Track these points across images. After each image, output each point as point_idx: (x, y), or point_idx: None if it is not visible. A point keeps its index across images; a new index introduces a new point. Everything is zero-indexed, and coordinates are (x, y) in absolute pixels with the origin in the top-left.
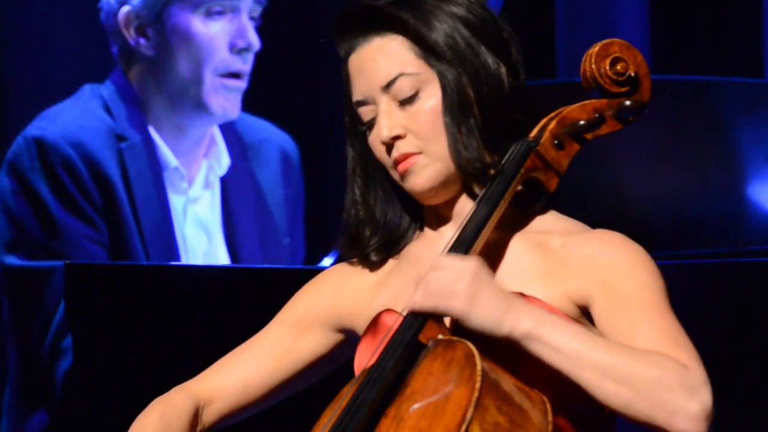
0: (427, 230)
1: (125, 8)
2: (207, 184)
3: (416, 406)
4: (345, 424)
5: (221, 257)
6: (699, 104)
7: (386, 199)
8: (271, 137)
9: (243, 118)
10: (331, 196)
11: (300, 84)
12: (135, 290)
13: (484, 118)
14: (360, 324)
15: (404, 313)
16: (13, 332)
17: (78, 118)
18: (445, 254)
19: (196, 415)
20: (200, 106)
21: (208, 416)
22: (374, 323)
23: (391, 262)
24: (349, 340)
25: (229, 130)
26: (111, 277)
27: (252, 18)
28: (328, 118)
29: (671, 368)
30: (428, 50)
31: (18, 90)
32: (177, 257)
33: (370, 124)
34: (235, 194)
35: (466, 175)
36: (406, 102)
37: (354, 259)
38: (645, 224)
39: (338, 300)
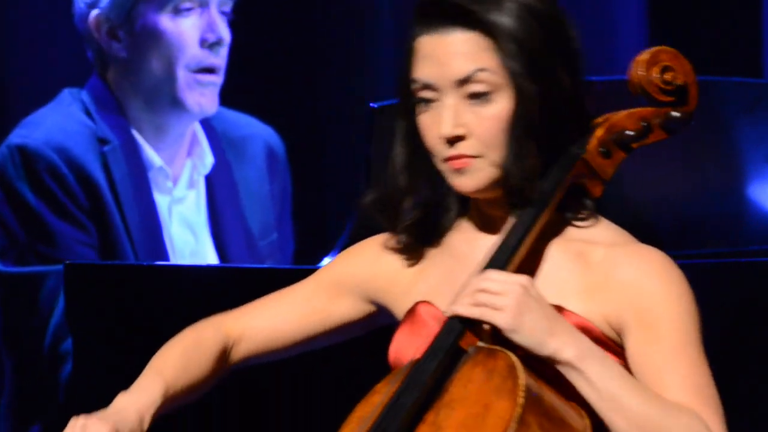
0: (470, 222)
1: (94, 12)
2: (191, 184)
3: (454, 414)
4: (384, 428)
5: (209, 256)
6: (699, 104)
7: (431, 178)
8: (255, 132)
9: (226, 114)
10: (329, 196)
11: (296, 80)
12: (135, 290)
13: (547, 133)
14: (396, 306)
15: (446, 315)
16: (7, 341)
17: (60, 123)
18: (490, 258)
19: (223, 353)
20: (176, 104)
21: (234, 355)
22: (411, 314)
23: (431, 249)
24: (380, 313)
25: (211, 127)
26: (111, 277)
27: (223, 12)
28: (324, 115)
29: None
30: (511, 55)
31: (18, 91)
32: (165, 257)
33: (427, 103)
34: (221, 192)
35: (514, 189)
36: (476, 99)
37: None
38: (645, 224)
39: (377, 274)
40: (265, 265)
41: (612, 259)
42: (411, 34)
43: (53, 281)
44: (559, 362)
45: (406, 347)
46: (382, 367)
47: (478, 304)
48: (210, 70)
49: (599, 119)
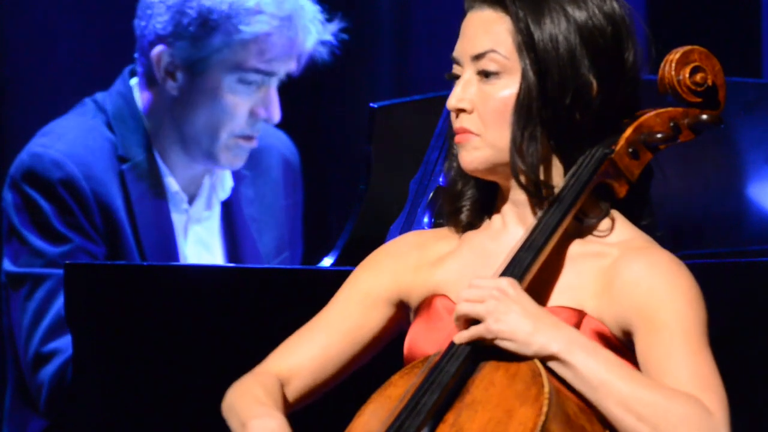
0: (493, 219)
1: (159, 48)
2: (209, 205)
3: (476, 417)
4: (405, 428)
5: None
6: None
7: None
8: (272, 144)
9: None
10: (329, 196)
11: (295, 80)
12: (135, 290)
13: (552, 129)
14: (415, 300)
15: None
16: (10, 338)
17: (82, 136)
18: (512, 259)
19: (284, 394)
20: (209, 157)
21: (290, 395)
22: (427, 307)
23: (452, 242)
24: (406, 314)
25: None
26: (111, 277)
27: (282, 80)
28: (327, 119)
29: (694, 413)
30: (526, 44)
31: (18, 97)
32: None
33: (456, 79)
34: (237, 212)
35: (518, 182)
36: (486, 77)
37: (407, 237)
38: (645, 224)
39: (399, 276)
40: (266, 266)
41: (622, 260)
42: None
43: (52, 283)
44: (545, 358)
45: (422, 340)
46: (396, 359)
47: (467, 324)
48: (250, 138)
49: (626, 119)
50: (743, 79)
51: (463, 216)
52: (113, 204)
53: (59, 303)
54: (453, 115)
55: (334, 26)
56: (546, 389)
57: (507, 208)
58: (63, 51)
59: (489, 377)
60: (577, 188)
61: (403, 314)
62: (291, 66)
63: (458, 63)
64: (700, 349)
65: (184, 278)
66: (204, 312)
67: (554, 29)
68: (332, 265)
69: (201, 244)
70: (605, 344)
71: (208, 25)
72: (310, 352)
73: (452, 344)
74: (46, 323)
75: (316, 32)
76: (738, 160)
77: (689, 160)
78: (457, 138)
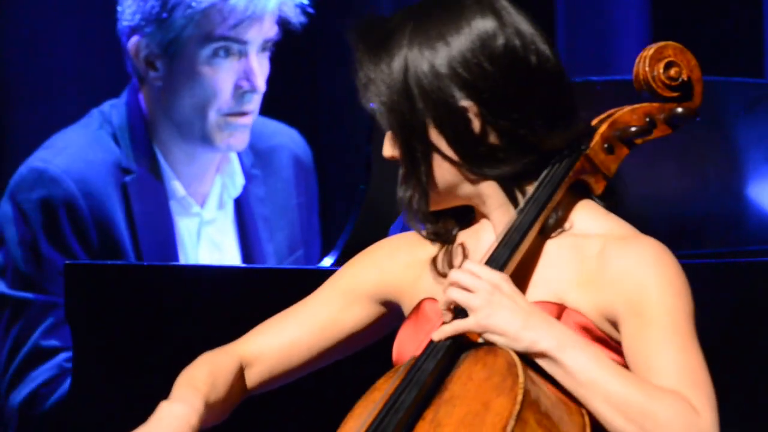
0: (475, 218)
1: (134, 39)
2: (221, 205)
3: (455, 411)
4: (383, 426)
5: None
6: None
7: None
8: (283, 143)
9: (253, 123)
10: (329, 197)
11: (296, 80)
12: (135, 290)
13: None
14: (405, 301)
15: (433, 338)
16: None
17: (83, 150)
18: (490, 255)
19: (240, 378)
20: (205, 140)
21: (250, 379)
22: (416, 310)
23: (438, 243)
24: (393, 314)
25: None
26: (111, 277)
27: (265, 49)
28: (327, 119)
29: (682, 413)
30: (391, 126)
31: (20, 102)
32: None
33: None
34: (249, 211)
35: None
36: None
37: (406, 234)
38: (645, 224)
39: (387, 274)
40: (265, 266)
41: (607, 252)
42: None
43: (34, 311)
44: (535, 355)
45: (409, 343)
46: (386, 364)
47: (450, 307)
48: (242, 114)
49: (603, 115)
50: (743, 79)
51: (444, 232)
52: (112, 219)
53: (39, 332)
54: None
55: None
56: (521, 379)
57: (487, 204)
58: (66, 55)
59: (467, 372)
60: (552, 186)
61: (391, 313)
62: (263, 31)
63: None
64: (689, 345)
65: (184, 278)
66: (203, 312)
67: (404, 98)
68: (332, 265)
69: (213, 245)
70: (588, 336)
71: (168, 4)
72: (277, 340)
73: (431, 342)
74: (25, 350)
75: None
76: (738, 160)
77: (689, 160)
78: None
